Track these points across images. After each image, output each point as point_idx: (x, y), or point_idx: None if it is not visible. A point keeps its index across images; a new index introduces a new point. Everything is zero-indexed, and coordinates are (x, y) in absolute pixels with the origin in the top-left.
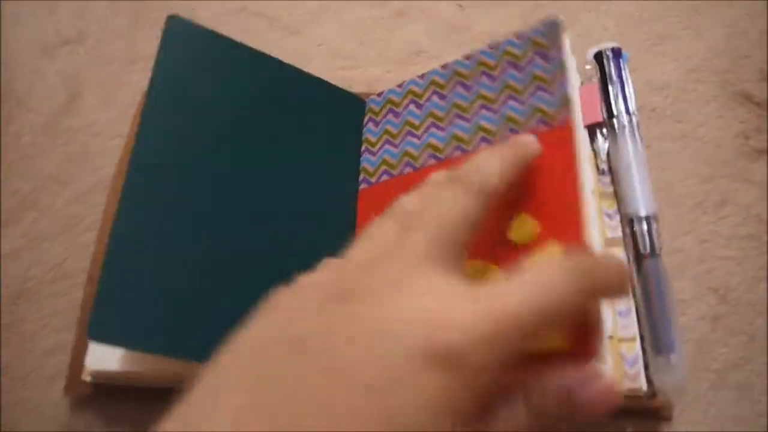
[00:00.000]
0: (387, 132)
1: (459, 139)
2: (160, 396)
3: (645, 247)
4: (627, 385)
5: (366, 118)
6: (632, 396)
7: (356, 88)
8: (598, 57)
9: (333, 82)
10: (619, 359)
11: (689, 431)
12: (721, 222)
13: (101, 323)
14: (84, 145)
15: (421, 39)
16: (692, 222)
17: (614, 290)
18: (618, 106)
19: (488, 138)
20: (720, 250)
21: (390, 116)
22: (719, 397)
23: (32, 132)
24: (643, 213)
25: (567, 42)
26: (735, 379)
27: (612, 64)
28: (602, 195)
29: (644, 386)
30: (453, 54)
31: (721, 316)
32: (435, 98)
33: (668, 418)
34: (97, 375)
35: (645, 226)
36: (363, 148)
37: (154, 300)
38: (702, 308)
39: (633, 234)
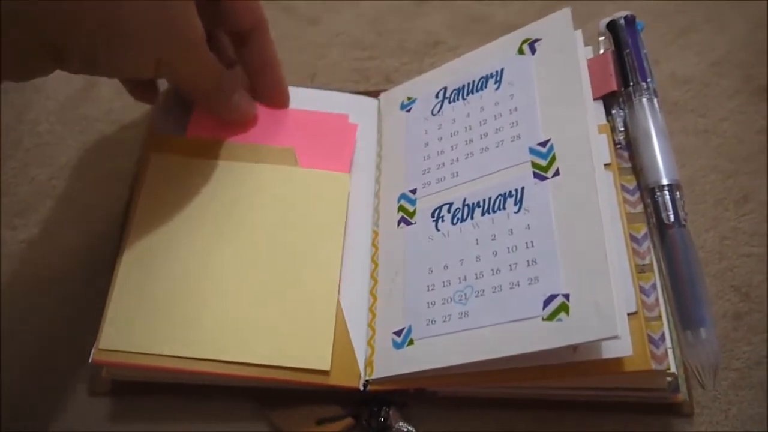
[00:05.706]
0: None
1: None
2: (178, 393)
3: (669, 216)
4: (653, 367)
5: None
6: (654, 389)
7: (374, 80)
8: (612, 26)
9: (350, 73)
10: (644, 340)
11: (710, 431)
12: (743, 219)
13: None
14: (101, 133)
15: (440, 29)
16: (714, 219)
17: None
18: (634, 73)
19: None
20: (742, 248)
21: None
22: (741, 396)
23: (49, 120)
24: (665, 181)
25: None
26: (757, 378)
27: (626, 31)
28: (621, 171)
29: (673, 367)
30: (471, 46)
31: (743, 315)
32: None
33: (689, 415)
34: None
35: (668, 195)
36: None
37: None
38: (724, 306)
39: (655, 204)
